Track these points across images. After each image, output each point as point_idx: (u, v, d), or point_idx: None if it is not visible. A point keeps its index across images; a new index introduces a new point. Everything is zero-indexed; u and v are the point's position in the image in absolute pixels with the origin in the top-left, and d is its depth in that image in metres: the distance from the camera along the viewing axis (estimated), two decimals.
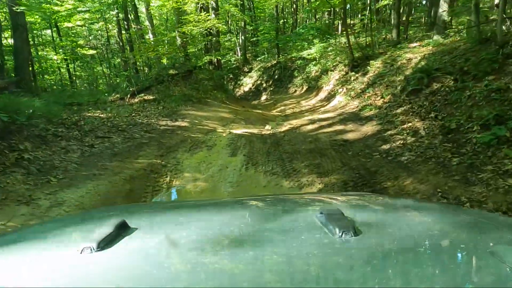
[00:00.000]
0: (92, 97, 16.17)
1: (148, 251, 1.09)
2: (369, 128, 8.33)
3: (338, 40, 21.41)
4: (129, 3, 23.84)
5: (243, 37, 28.76)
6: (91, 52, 25.87)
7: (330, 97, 15.24)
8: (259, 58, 27.42)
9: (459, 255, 1.07)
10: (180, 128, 9.86)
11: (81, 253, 1.01)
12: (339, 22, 26.38)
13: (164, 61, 21.07)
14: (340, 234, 1.06)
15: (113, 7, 20.48)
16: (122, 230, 1.17)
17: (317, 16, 29.78)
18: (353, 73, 14.79)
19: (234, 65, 28.73)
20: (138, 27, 21.46)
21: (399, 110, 8.79)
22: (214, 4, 19.04)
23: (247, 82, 26.91)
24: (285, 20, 31.00)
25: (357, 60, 15.42)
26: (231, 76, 28.60)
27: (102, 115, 11.03)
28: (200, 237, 1.18)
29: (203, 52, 20.83)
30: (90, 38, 29.46)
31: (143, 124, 10.10)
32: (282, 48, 25.56)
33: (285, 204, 1.77)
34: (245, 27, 28.42)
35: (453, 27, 14.03)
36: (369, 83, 12.36)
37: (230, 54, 29.62)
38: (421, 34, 19.86)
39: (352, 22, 30.74)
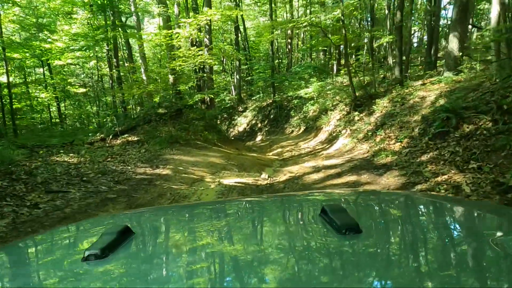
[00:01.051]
0: (73, 137, 14.45)
1: (152, 256, 1.08)
2: (390, 180, 6.49)
3: (334, 79, 19.99)
4: (121, 40, 22.49)
5: (237, 76, 27.39)
6: (82, 90, 24.37)
7: (332, 139, 13.51)
8: (254, 98, 25.93)
9: (464, 248, 1.02)
10: (160, 178, 7.98)
11: (85, 260, 0.98)
12: (335, 62, 25.18)
13: (157, 99, 19.47)
14: (344, 231, 1.01)
15: (102, 43, 19.05)
16: (126, 236, 1.13)
17: (312, 56, 28.61)
18: (356, 112, 13.13)
19: (228, 104, 27.19)
20: (131, 64, 19.97)
21: (424, 158, 7.00)
22: (207, 41, 17.62)
23: (242, 122, 25.28)
24: (280, 60, 29.79)
25: (360, 99, 13.82)
26: (225, 115, 27.02)
27: (72, 160, 9.16)
28: (204, 240, 1.17)
29: (195, 90, 19.25)
30: (82, 76, 28.09)
31: (116, 172, 8.22)
32: (277, 87, 24.11)
33: (288, 203, 1.73)
34: (239, 66, 27.10)
35: (465, 63, 12.52)
36: (377, 124, 10.64)
37: (225, 93, 28.15)
38: (421, 72, 18.57)
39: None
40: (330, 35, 18.35)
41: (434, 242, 1.07)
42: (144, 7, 23.46)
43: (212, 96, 17.50)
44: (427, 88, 11.05)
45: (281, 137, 20.01)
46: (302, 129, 18.84)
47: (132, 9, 23.02)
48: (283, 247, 1.06)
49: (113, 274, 0.95)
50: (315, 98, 18.86)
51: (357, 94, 14.18)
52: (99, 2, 16.39)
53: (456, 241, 1.09)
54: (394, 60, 16.32)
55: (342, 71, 21.08)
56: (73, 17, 20.98)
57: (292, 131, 19.92)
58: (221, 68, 32.06)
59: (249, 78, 27.22)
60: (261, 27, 18.23)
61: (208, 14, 12.59)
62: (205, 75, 16.20)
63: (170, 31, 13.39)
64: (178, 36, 13.10)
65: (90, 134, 15.63)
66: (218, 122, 27.71)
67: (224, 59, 30.29)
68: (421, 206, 1.52)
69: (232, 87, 28.05)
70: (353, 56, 31.12)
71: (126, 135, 13.63)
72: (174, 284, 0.90)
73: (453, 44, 11.98)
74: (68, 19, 21.94)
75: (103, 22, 18.60)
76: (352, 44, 25.56)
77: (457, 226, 1.22)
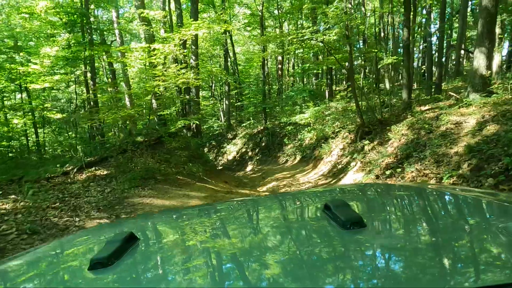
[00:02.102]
0: (40, 168, 11.82)
1: (157, 262, 1.05)
2: None
3: (328, 104, 17.77)
4: (104, 64, 20.10)
5: (227, 102, 25.09)
6: (59, 116, 21.77)
7: (337, 172, 11.08)
8: (244, 124, 23.56)
9: (471, 239, 0.96)
10: None
11: (91, 268, 0.95)
12: (326, 88, 23.07)
13: (141, 126, 16.98)
14: (349, 225, 0.98)
15: (78, 64, 16.60)
16: (130, 243, 1.11)
17: (304, 81, 26.55)
18: (366, 141, 10.77)
19: (217, 131, 24.77)
20: (108, 86, 17.51)
21: None
22: (193, 61, 15.32)
23: (231, 150, 22.82)
24: (270, 85, 27.63)
25: (369, 125, 11.49)
26: (214, 143, 24.57)
27: (4, 207, 6.55)
28: (208, 243, 1.15)
29: (179, 116, 16.82)
30: (63, 100, 25.53)
31: (56, 228, 5.62)
32: (269, 113, 21.82)
33: (291, 201, 1.70)
34: (229, 91, 24.84)
35: (493, 80, 10.31)
36: (400, 156, 8.27)
37: (213, 120, 25.76)
38: (423, 95, 16.55)
39: (337, 88, 27.64)
40: (327, 54, 16.27)
41: (439, 235, 1.00)
42: (128, 29, 21.21)
43: (198, 122, 15.05)
44: (455, 111, 8.76)
45: (274, 167, 17.56)
46: (298, 158, 16.44)
47: (116, 32, 20.78)
48: (289, 244, 1.03)
49: (120, 281, 0.92)
50: (312, 125, 16.57)
51: (364, 120, 11.86)
52: (71, 18, 14.00)
53: (463, 234, 1.01)
54: (399, 83, 14.20)
55: (338, 96, 18.89)
56: (56, 39, 18.66)
57: (286, 161, 17.50)
58: (209, 94, 29.81)
59: (239, 103, 24.90)
60: (254, 40, 15.96)
61: (191, 28, 10.26)
62: (188, 97, 13.78)
63: (146, 46, 11.02)
64: (157, 53, 10.69)
65: (57, 166, 13.00)
66: (206, 150, 25.24)
67: (213, 84, 28.10)
68: (426, 199, 1.44)
69: (221, 113, 25.71)
70: (344, 82, 29.20)
71: (95, 168, 11.04)
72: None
73: (480, 61, 9.79)
74: (49, 42, 19.62)
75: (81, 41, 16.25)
76: (358, 62, 23.63)
77: (462, 215, 1.15)
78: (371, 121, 11.78)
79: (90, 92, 16.45)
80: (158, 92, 11.09)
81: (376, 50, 12.79)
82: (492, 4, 9.80)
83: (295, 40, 9.51)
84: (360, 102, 16.23)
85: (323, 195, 1.73)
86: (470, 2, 24.91)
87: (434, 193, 1.53)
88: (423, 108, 12.69)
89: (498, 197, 1.41)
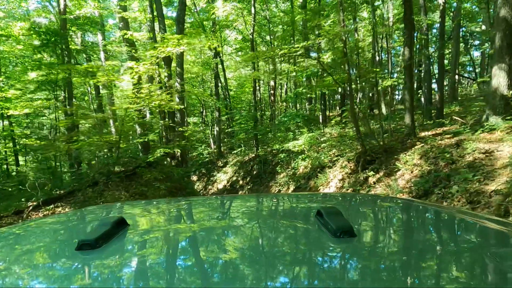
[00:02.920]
0: (7, 201, 10.06)
1: (145, 248, 1.02)
2: None
3: (322, 131, 16.11)
4: (90, 88, 18.51)
5: (217, 128, 23.42)
6: (38, 143, 19.98)
7: None
8: (235, 151, 21.81)
9: (459, 255, 0.95)
10: None
11: (79, 249, 0.92)
12: (320, 113, 21.51)
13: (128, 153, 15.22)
14: (339, 234, 0.95)
15: (55, 88, 14.93)
16: (120, 227, 1.07)
17: (297, 107, 24.98)
18: (370, 172, 9.05)
19: (207, 159, 22.97)
20: (86, 111, 15.82)
21: None
22: (178, 85, 13.71)
23: (222, 179, 20.97)
24: (262, 111, 26.04)
25: (371, 153, 9.79)
26: (204, 171, 22.74)
27: None
28: (197, 235, 1.11)
29: (162, 143, 15.08)
30: (45, 127, 23.80)
31: None
32: (261, 140, 20.11)
33: (284, 203, 1.65)
34: (219, 117, 23.21)
35: None
36: (414, 192, 6.53)
37: (203, 147, 23.99)
38: (420, 119, 15.11)
39: (331, 114, 26.12)
40: (321, 76, 14.75)
41: (428, 248, 0.98)
42: (114, 51, 19.69)
43: (181, 150, 13.28)
44: (477, 137, 7.09)
45: None
46: (292, 188, 14.64)
47: (101, 55, 19.27)
48: (277, 248, 0.99)
49: (106, 265, 0.88)
50: (306, 152, 14.85)
51: (365, 147, 10.17)
52: (46, 38, 12.40)
53: (451, 248, 1.00)
54: (393, 108, 12.63)
55: (332, 121, 17.29)
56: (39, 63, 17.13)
57: (279, 191, 15.68)
58: (200, 120, 28.20)
59: (230, 130, 23.20)
60: (242, 58, 14.40)
61: (169, 44, 8.65)
62: (170, 122, 12.09)
63: (114, 63, 9.36)
64: (132, 72, 9.03)
65: (22, 200, 11.13)
66: (196, 179, 23.38)
67: (204, 110, 26.51)
68: (417, 213, 1.41)
69: (211, 140, 23.97)
70: (338, 108, 27.74)
71: (56, 205, 9.19)
72: (166, 276, 0.84)
73: (500, 79, 8.22)
74: (31, 65, 18.06)
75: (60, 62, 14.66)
76: (353, 86, 22.16)
77: (452, 233, 1.12)
78: (373, 149, 10.10)
79: (63, 117, 14.73)
80: (133, 115, 9.34)
81: (377, 69, 11.23)
82: (511, 14, 8.28)
83: (287, 56, 7.92)
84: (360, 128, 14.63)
85: (317, 201, 1.66)
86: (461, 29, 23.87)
87: (427, 209, 1.46)
88: (427, 133, 11.10)
89: (486, 218, 1.34)
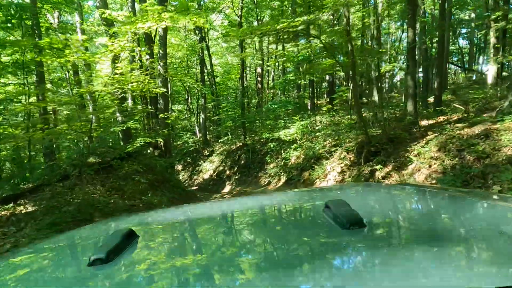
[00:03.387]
0: None
1: (156, 259, 0.99)
2: None
3: (312, 119, 14.92)
4: (65, 72, 16.86)
5: (203, 116, 22.04)
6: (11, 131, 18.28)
7: None
8: (221, 140, 20.52)
9: (470, 240, 0.90)
10: None
11: (91, 265, 0.88)
12: (308, 101, 20.31)
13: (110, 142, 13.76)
14: (348, 226, 0.92)
15: (22, 70, 13.31)
16: (130, 239, 1.04)
17: (285, 94, 23.76)
18: (377, 165, 7.92)
19: (192, 148, 21.61)
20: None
21: None
22: (160, 69, 12.28)
23: (208, 168, 19.70)
24: (249, 99, 24.70)
25: (376, 144, 8.66)
26: (189, 160, 21.42)
27: None
28: (207, 240, 1.09)
29: (145, 131, 13.68)
30: (20, 114, 22.01)
31: None
32: (248, 129, 18.86)
33: (292, 200, 1.60)
34: (205, 104, 21.81)
35: None
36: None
37: (188, 135, 22.61)
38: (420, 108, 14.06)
39: (318, 102, 24.95)
40: (313, 62, 13.52)
41: (438, 236, 0.93)
42: (91, 31, 17.93)
43: (163, 139, 11.95)
44: (506, 127, 6.00)
45: (255, 189, 14.56)
46: (283, 180, 13.50)
47: (79, 35, 17.58)
48: (288, 243, 0.97)
49: (119, 278, 0.87)
50: (298, 141, 13.70)
51: (359, 139, 9.04)
52: (10, 12, 10.76)
53: (462, 235, 0.94)
54: (405, 93, 11.53)
55: (324, 109, 16.09)
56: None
57: (269, 182, 14.52)
58: (185, 107, 26.69)
59: (216, 117, 21.85)
60: (232, 33, 13.00)
61: (150, 18, 7.27)
62: (152, 109, 10.74)
63: (85, 38, 7.93)
64: (106, 51, 7.64)
65: None
66: (181, 168, 22.03)
67: (189, 98, 25.04)
68: (426, 199, 1.35)
69: (196, 128, 22.59)
70: (325, 96, 26.60)
71: (18, 202, 7.80)
72: (178, 286, 0.82)
73: None
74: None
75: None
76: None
77: (461, 217, 1.06)
78: (375, 138, 8.98)
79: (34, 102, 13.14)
80: (109, 100, 7.95)
81: (383, 50, 10.04)
82: None
83: (285, 33, 6.65)
84: (348, 117, 13.46)
85: (323, 195, 1.64)
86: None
87: (436, 194, 1.41)
88: (428, 122, 10.06)
89: (502, 200, 1.28)
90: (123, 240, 1.00)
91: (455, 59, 31.06)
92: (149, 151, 12.72)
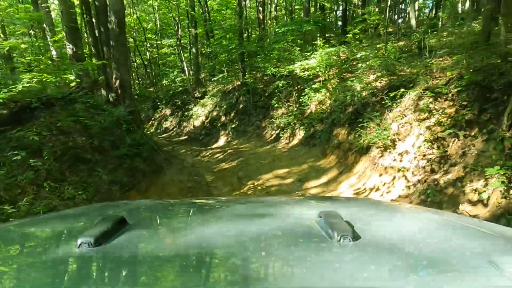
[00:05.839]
0: None
1: (145, 247, 0.91)
2: None
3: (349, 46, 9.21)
4: None
5: (194, 50, 16.20)
6: None
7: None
8: (215, 78, 14.97)
9: (458, 262, 0.80)
10: None
11: (78, 247, 0.80)
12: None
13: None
14: (339, 238, 0.83)
15: None
16: (121, 226, 0.94)
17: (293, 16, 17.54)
18: None
19: (180, 88, 16.07)
20: None
21: None
22: None
23: (199, 113, 14.39)
24: (249, 33, 18.50)
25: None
26: (179, 103, 16.00)
27: None
28: (196, 236, 0.97)
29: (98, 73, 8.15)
30: None
31: None
32: (249, 65, 13.20)
33: (284, 206, 1.43)
34: (196, 35, 15.84)
35: None
36: None
37: (175, 73, 16.94)
38: None
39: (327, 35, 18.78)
40: None
41: (429, 254, 0.84)
42: None
43: (117, 77, 6.53)
44: None
45: (258, 147, 9.42)
46: (299, 136, 8.31)
47: None
48: (277, 251, 0.86)
49: (106, 263, 0.79)
50: (321, 77, 8.28)
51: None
52: None
53: (451, 255, 0.84)
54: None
55: (356, 29, 10.10)
56: None
57: (278, 137, 9.33)
58: (176, 42, 20.57)
59: (208, 50, 15.92)
60: None
61: None
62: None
63: None
64: None
65: None
66: (169, 113, 16.72)
67: (179, 29, 18.79)
68: (415, 217, 1.22)
69: (185, 64, 16.79)
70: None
71: None
72: (165, 276, 0.75)
73: None
74: None
75: None
76: None
77: (452, 240, 0.95)
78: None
79: None
80: None
81: None
82: None
83: None
84: (396, 44, 7.99)
85: (317, 205, 1.45)
86: None
87: (428, 215, 1.25)
88: None
89: (486, 226, 1.14)
90: (113, 226, 0.91)
91: None
92: (94, 94, 7.34)
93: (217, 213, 1.30)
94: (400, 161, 4.40)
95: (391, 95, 5.39)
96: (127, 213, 1.12)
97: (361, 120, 5.71)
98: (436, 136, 4.17)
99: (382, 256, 0.84)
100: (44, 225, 1.17)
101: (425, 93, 4.74)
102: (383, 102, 5.62)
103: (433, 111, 4.54)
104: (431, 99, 4.70)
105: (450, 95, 4.55)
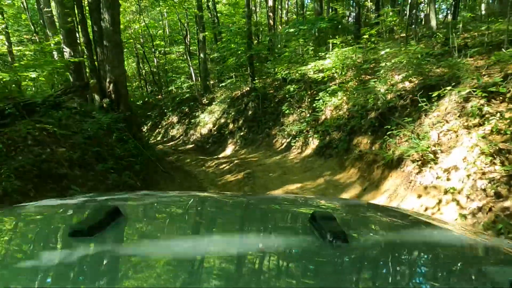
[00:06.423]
0: None
1: (138, 238, 0.90)
2: None
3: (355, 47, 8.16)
4: None
5: (202, 55, 15.36)
6: None
7: None
8: (223, 84, 14.07)
9: (450, 268, 0.80)
10: None
11: (71, 236, 0.78)
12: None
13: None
14: (331, 239, 0.78)
15: None
16: (114, 217, 0.90)
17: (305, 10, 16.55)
18: None
19: (187, 95, 15.21)
20: None
21: None
22: None
23: (206, 121, 13.46)
24: (259, 39, 17.58)
25: None
26: (186, 110, 15.11)
27: None
28: (190, 230, 0.98)
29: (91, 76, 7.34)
30: None
31: None
32: (258, 70, 12.27)
33: (279, 205, 1.36)
34: (204, 39, 15.01)
35: None
36: None
37: (182, 79, 16.10)
38: None
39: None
40: None
41: (420, 258, 0.84)
42: None
43: (111, 81, 5.63)
44: None
45: (267, 158, 8.40)
46: (313, 145, 7.29)
47: None
48: (269, 250, 0.82)
49: (98, 253, 0.77)
50: (338, 82, 7.27)
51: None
52: None
53: (442, 261, 0.83)
54: None
55: (365, 36, 9.17)
56: None
57: (289, 146, 8.32)
58: (184, 48, 19.81)
59: (216, 55, 15.04)
60: None
61: None
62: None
63: None
64: None
65: None
66: (176, 120, 15.86)
67: (187, 34, 18.01)
68: (409, 223, 1.16)
69: (192, 70, 15.91)
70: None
71: None
72: (157, 267, 0.72)
73: None
74: None
75: None
76: None
77: (444, 246, 0.92)
78: None
79: None
80: None
81: None
82: None
83: None
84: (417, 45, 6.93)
85: (312, 205, 1.39)
86: None
87: (422, 222, 1.19)
88: None
89: (476, 236, 1.14)
90: (107, 217, 0.86)
91: None
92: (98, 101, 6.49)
93: (210, 208, 1.28)
94: (447, 179, 3.34)
95: (432, 95, 4.30)
96: (122, 204, 1.04)
97: (387, 127, 4.67)
98: (497, 148, 3.12)
99: (375, 258, 0.82)
100: (37, 213, 1.14)
101: (474, 93, 3.68)
102: (415, 105, 4.57)
103: (487, 115, 3.49)
104: (482, 101, 3.64)
105: (508, 95, 3.49)
